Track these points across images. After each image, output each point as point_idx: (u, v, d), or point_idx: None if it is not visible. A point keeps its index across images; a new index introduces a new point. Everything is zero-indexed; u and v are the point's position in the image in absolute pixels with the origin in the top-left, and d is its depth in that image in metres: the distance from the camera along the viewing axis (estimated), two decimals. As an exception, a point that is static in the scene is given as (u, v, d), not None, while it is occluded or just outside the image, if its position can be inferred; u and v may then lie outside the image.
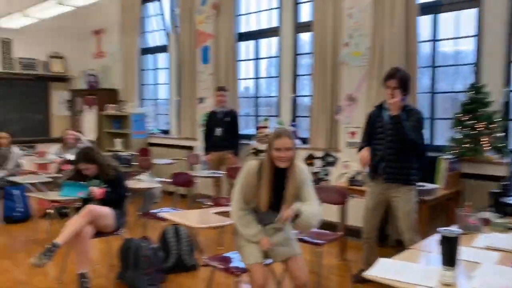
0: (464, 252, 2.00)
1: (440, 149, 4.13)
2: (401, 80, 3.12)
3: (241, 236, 2.61)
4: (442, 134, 4.39)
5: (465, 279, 1.77)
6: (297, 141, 5.36)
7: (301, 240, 3.38)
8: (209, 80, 6.26)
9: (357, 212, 4.57)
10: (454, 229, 2.03)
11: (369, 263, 2.44)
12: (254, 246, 2.56)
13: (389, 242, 4.45)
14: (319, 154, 5.02)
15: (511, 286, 1.64)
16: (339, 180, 4.58)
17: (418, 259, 2.09)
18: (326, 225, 4.01)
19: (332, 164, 4.95)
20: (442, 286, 1.73)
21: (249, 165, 2.59)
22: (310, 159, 5.06)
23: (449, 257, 1.86)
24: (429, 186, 3.56)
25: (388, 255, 2.08)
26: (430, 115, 4.41)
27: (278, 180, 2.52)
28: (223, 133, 5.53)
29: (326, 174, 4.99)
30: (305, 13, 5.35)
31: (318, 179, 4.99)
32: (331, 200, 3.60)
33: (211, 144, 5.61)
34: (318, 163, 5.05)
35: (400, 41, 4.24)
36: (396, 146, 3.14)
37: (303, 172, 2.57)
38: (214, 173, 5.31)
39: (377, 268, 1.90)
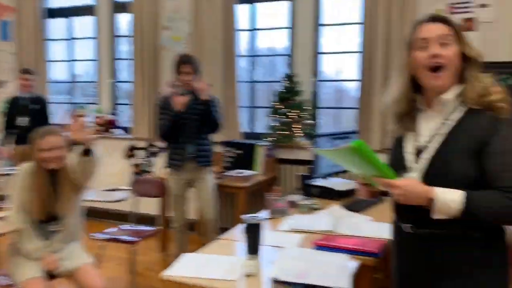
0: (269, 237, 1.99)
1: (260, 136, 4.25)
2: (195, 65, 3.29)
3: (18, 251, 2.27)
4: (262, 122, 4.53)
5: (268, 267, 1.73)
6: (119, 131, 4.97)
7: (115, 240, 3.09)
8: (11, 61, 5.36)
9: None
10: (257, 215, 2.01)
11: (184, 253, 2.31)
12: (32, 262, 2.25)
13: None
14: (142, 144, 4.72)
15: (310, 269, 1.65)
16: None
17: (227, 250, 2.00)
18: (146, 219, 3.79)
19: (156, 154, 4.70)
20: (245, 277, 1.66)
21: (23, 168, 2.30)
22: (131, 150, 4.72)
23: (252, 245, 1.81)
24: (247, 172, 3.60)
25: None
26: (250, 103, 4.50)
27: (55, 184, 2.28)
28: (29, 123, 4.77)
29: (150, 166, 4.72)
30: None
31: (141, 171, 4.69)
32: (150, 192, 3.37)
33: (15, 135, 4.80)
34: (141, 154, 4.74)
35: (219, 28, 4.20)
36: (201, 130, 3.27)
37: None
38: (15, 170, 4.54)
39: (178, 265, 1.74)
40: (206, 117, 3.21)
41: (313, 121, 4.12)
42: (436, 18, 1.37)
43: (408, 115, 1.45)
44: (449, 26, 1.35)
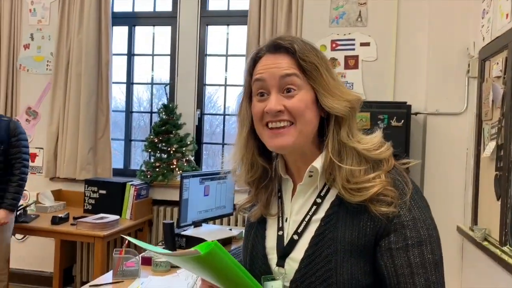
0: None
1: (135, 174, 3.73)
2: None
3: None
4: (139, 157, 4.03)
5: None
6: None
7: None
8: None
9: (24, 254, 3.78)
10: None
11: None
12: None
13: (76, 283, 3.75)
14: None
15: None
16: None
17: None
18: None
19: None
20: None
21: None
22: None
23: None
24: (110, 217, 3.04)
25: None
26: (125, 135, 3.98)
27: None
28: None
29: (-1, 207, 3.91)
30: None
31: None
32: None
33: None
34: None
35: (91, 49, 3.68)
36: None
37: None
38: None
39: None
40: None
41: (193, 157, 3.72)
42: (276, 45, 0.93)
43: (264, 186, 1.02)
44: (296, 58, 0.91)
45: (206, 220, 2.62)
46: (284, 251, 0.94)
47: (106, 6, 3.69)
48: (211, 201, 2.60)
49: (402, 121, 2.88)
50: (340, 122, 0.91)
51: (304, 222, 0.93)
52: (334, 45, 3.34)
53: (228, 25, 3.82)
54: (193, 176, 2.49)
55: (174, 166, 3.60)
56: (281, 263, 0.94)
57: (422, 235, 0.86)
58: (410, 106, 2.99)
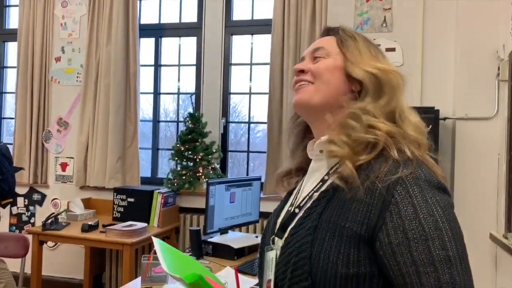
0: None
1: (162, 182, 3.78)
2: None
3: None
4: (166, 165, 4.08)
5: None
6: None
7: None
8: None
9: (55, 261, 3.86)
10: None
11: None
12: None
13: (105, 291, 3.81)
14: (22, 190, 4.04)
15: None
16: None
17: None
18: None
19: (39, 203, 4.03)
20: None
21: None
22: (5, 198, 4.01)
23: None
24: (138, 225, 3.09)
25: None
26: (152, 145, 4.05)
27: None
28: None
29: (32, 216, 4.03)
30: (15, 19, 4.39)
31: (21, 223, 4.00)
32: (10, 252, 2.75)
33: None
34: (20, 202, 4.05)
35: (119, 61, 3.77)
36: None
37: None
38: None
39: None
40: None
41: (219, 165, 3.74)
42: (325, 31, 1.05)
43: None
44: (335, 36, 0.99)
45: (232, 227, 2.62)
46: (284, 224, 0.93)
47: (133, 18, 3.78)
48: (237, 208, 2.61)
49: (430, 126, 2.83)
50: (369, 94, 0.90)
51: (307, 197, 0.92)
52: (359, 51, 3.31)
53: (252, 34, 3.86)
54: (219, 183, 2.50)
55: (200, 174, 3.63)
56: (280, 234, 0.93)
57: (426, 228, 0.75)
58: (438, 111, 2.93)
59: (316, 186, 0.92)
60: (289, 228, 0.91)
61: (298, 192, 0.98)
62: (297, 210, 0.92)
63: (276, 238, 0.94)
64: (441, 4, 3.17)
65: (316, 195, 0.90)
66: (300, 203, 0.93)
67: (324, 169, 0.92)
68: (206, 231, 2.44)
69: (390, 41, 3.28)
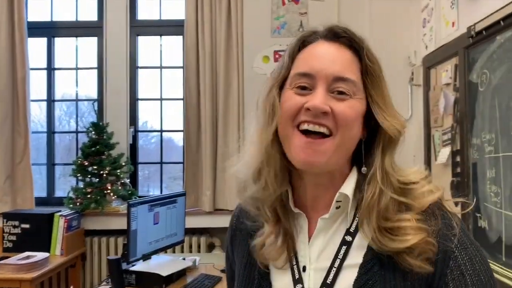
0: None
1: (61, 202, 3.30)
2: None
3: None
4: (64, 183, 3.59)
5: None
6: None
7: None
8: None
9: None
10: None
11: None
12: None
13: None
14: None
15: None
16: None
17: None
18: None
19: None
20: None
21: None
22: None
23: None
24: (38, 255, 2.61)
25: None
26: (47, 159, 3.53)
27: None
28: None
29: None
30: None
31: None
32: None
33: None
34: None
35: (4, 65, 3.21)
36: None
37: None
38: None
39: None
40: None
41: (128, 180, 3.39)
42: (338, 33, 0.76)
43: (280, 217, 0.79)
44: (361, 57, 0.74)
45: (157, 251, 2.33)
46: None
47: (20, 15, 3.25)
48: (162, 230, 2.33)
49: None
50: (385, 147, 0.74)
51: (334, 269, 0.73)
52: (277, 56, 3.23)
53: (161, 35, 3.56)
54: (141, 203, 2.20)
55: (108, 191, 3.24)
56: None
57: (483, 280, 0.70)
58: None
59: (339, 252, 0.74)
60: None
61: (298, 264, 0.76)
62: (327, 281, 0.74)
63: None
64: (355, 10, 3.22)
65: (348, 264, 0.73)
66: (326, 278, 0.73)
67: (334, 229, 0.76)
68: (129, 260, 2.12)
69: (307, 46, 3.24)
